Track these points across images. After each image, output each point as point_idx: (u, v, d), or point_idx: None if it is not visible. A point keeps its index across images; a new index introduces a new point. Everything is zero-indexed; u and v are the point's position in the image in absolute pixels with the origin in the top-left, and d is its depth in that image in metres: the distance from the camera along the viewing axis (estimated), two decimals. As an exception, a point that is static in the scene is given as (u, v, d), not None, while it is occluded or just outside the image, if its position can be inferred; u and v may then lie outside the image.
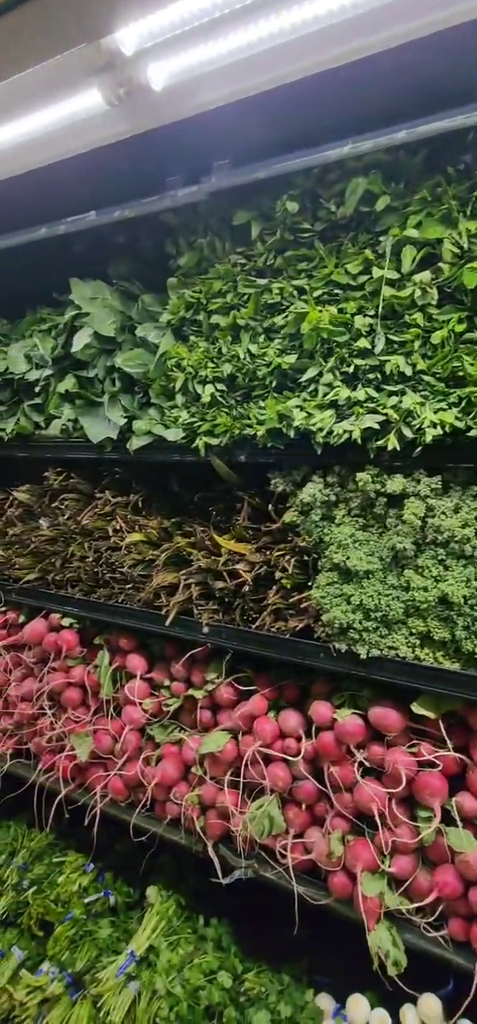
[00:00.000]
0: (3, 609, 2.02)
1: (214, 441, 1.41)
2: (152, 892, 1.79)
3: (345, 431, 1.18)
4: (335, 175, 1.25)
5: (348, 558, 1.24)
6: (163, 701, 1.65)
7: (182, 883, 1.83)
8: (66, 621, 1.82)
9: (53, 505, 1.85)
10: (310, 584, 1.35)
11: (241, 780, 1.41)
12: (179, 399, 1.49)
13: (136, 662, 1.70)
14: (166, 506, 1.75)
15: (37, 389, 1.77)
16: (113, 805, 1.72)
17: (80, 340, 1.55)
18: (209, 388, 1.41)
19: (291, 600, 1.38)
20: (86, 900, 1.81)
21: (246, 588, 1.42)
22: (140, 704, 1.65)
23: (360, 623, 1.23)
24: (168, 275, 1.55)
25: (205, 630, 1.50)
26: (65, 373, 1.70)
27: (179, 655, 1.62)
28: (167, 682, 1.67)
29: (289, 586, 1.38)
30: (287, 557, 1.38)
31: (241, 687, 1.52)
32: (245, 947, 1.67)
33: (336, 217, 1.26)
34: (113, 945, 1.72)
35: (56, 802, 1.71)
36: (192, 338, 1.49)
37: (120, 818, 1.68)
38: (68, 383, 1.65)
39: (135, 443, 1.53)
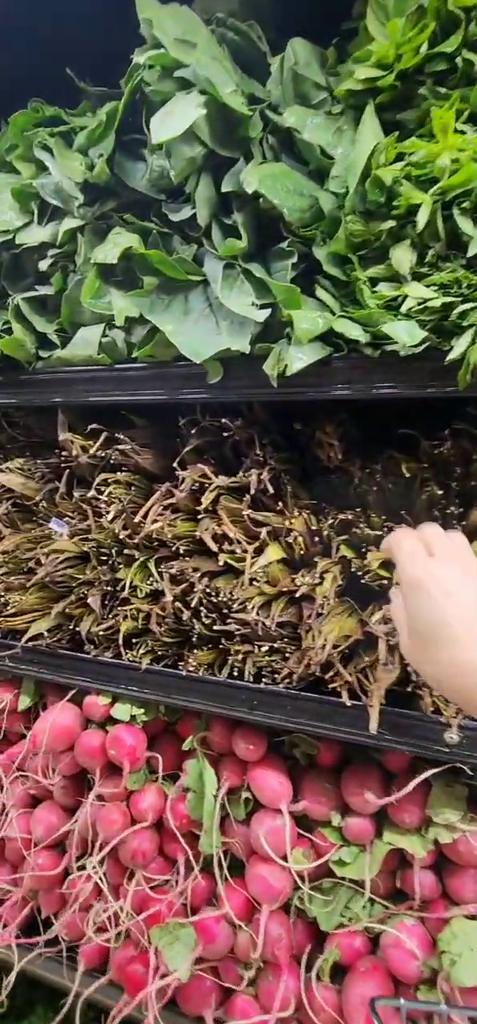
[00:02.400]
0: (-11, 685, 1.14)
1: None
2: None
3: None
4: None
5: None
6: (328, 853, 0.89)
7: None
8: (122, 710, 0.99)
9: (79, 496, 0.99)
10: None
11: None
12: (407, 257, 0.67)
13: (272, 783, 0.91)
14: (313, 488, 0.94)
15: (43, 265, 0.87)
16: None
17: (180, 118, 0.65)
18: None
19: None
20: None
21: None
22: (286, 863, 0.88)
23: None
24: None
25: (453, 737, 0.75)
26: (104, 225, 0.82)
27: (339, 760, 0.86)
28: (336, 818, 0.90)
29: None
30: None
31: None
32: None
33: None
34: None
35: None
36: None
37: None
38: (124, 239, 0.77)
39: (297, 360, 0.70)
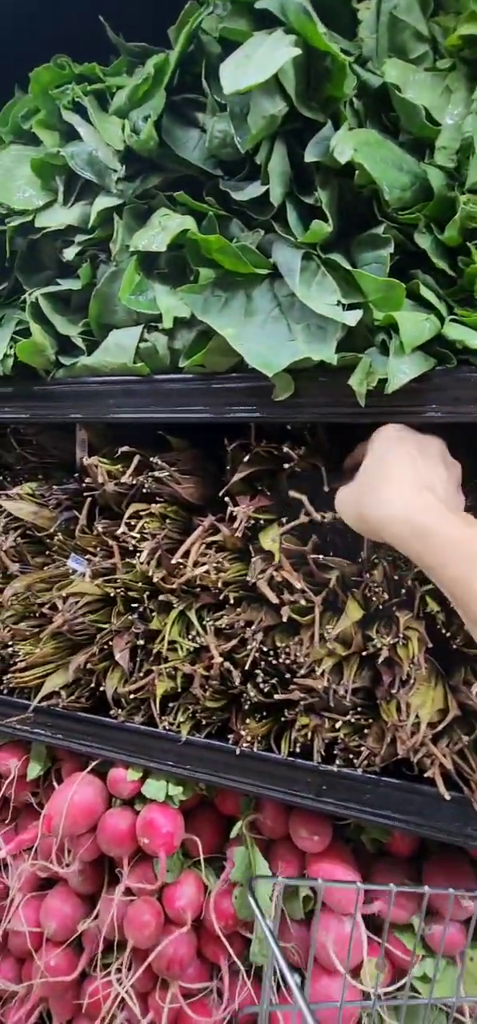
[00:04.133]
0: (-8, 750, 0.97)
1: None
2: None
3: None
4: None
5: None
6: (409, 966, 0.74)
7: None
8: (156, 788, 0.82)
9: (102, 528, 0.83)
10: None
11: None
12: None
13: (340, 883, 0.76)
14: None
15: (69, 254, 0.72)
16: None
17: (264, 63, 0.47)
18: None
19: None
20: None
21: None
22: (355, 979, 0.73)
23: None
24: None
25: None
26: (145, 206, 0.67)
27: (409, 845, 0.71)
28: (416, 922, 0.75)
29: None
30: None
31: None
32: None
33: None
34: None
35: None
36: None
37: None
38: (175, 222, 0.62)
39: (399, 374, 0.56)
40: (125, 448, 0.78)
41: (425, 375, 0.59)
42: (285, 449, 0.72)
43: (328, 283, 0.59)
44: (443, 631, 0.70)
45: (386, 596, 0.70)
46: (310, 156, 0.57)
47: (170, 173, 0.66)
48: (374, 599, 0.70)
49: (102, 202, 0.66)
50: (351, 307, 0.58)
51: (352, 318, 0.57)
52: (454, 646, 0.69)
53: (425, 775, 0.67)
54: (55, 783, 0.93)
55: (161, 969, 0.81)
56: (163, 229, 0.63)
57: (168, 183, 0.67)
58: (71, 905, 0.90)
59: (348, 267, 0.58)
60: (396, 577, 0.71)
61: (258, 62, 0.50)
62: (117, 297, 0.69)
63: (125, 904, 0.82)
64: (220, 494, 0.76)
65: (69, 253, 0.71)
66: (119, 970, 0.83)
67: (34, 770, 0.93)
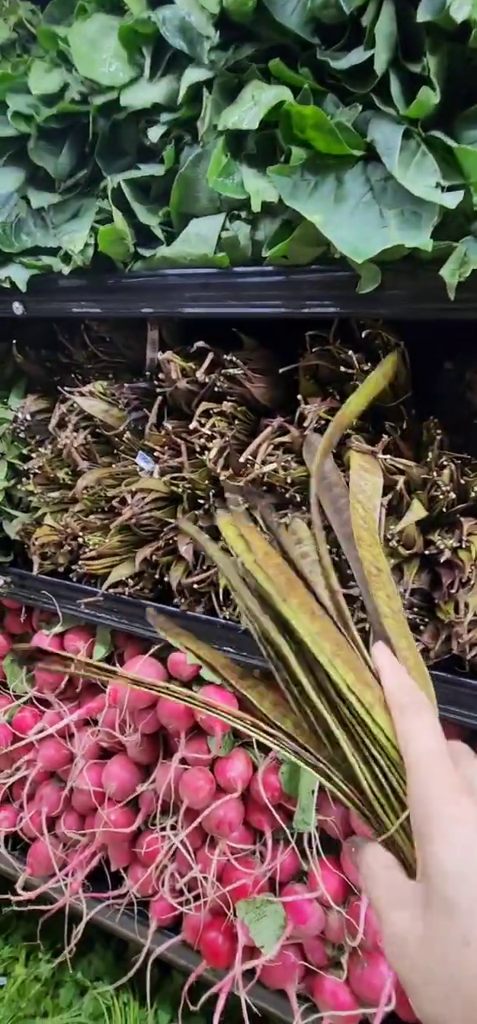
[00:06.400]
0: (60, 631, 1.06)
1: None
2: None
3: None
4: None
5: None
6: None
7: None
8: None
9: (172, 427, 0.85)
10: None
11: None
12: None
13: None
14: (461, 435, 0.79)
15: (154, 135, 0.70)
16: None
17: None
18: None
19: None
20: None
21: None
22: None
23: None
24: None
25: None
26: (235, 80, 0.64)
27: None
28: None
29: None
30: None
31: None
32: None
33: None
34: None
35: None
36: None
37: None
38: (270, 95, 0.59)
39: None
40: (200, 344, 0.79)
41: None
42: (350, 353, 0.71)
43: (428, 163, 0.57)
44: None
45: (453, 497, 0.71)
46: (423, 15, 0.53)
47: (264, 43, 0.63)
48: (440, 500, 0.71)
49: (192, 75, 0.64)
50: (450, 190, 0.56)
51: (452, 200, 0.55)
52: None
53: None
54: (118, 666, 1.01)
55: (211, 828, 0.90)
56: (256, 103, 0.61)
57: (261, 54, 0.64)
58: (129, 771, 1.00)
59: (450, 143, 0.55)
60: (463, 481, 0.72)
61: None
62: (201, 182, 0.68)
63: (181, 771, 0.91)
64: (297, 395, 0.77)
65: (154, 134, 0.70)
66: (173, 827, 0.93)
67: (99, 652, 1.02)
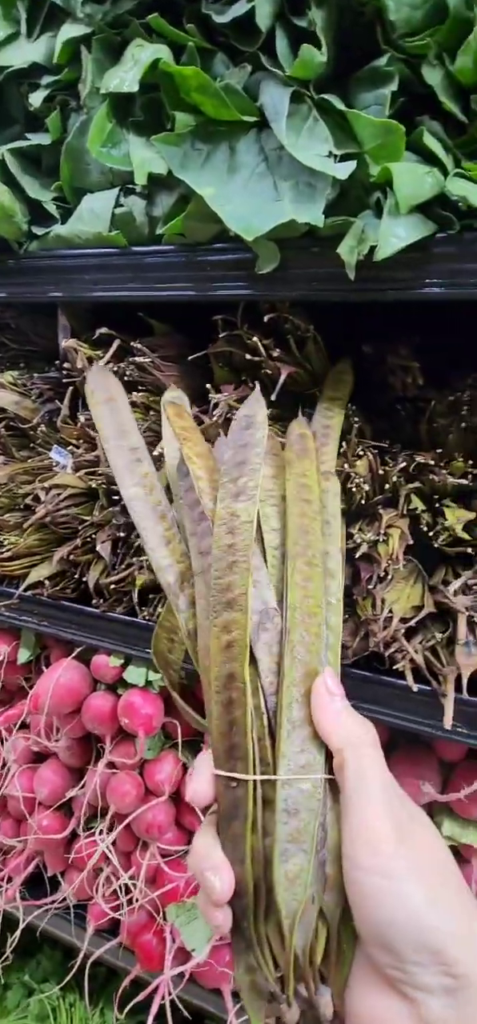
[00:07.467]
0: (-16, 635, 1.01)
1: None
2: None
3: None
4: None
5: None
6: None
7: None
8: (137, 674, 0.86)
9: (85, 420, 0.80)
10: None
11: None
12: None
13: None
14: (379, 423, 0.75)
15: (36, 100, 0.63)
16: None
17: None
18: None
19: None
20: None
21: None
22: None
23: None
24: None
25: None
26: (118, 37, 0.58)
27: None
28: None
29: None
30: None
31: None
32: None
33: None
34: None
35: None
36: None
37: None
38: (147, 52, 0.53)
39: (391, 239, 0.50)
40: (103, 330, 0.74)
41: (421, 243, 0.53)
42: (254, 339, 0.67)
43: (320, 130, 0.52)
44: (426, 530, 0.68)
45: (367, 489, 0.68)
46: (303, -38, 0.48)
47: (146, -6, 0.57)
48: (355, 493, 0.68)
49: (68, 31, 0.58)
50: (344, 159, 0.52)
51: (344, 170, 0.50)
52: (436, 545, 0.68)
53: (394, 668, 0.68)
54: (44, 669, 0.97)
55: (141, 831, 0.87)
56: (135, 63, 0.55)
57: (144, 8, 0.58)
58: (61, 776, 0.97)
59: (342, 107, 0.51)
60: (382, 471, 0.69)
61: None
62: (90, 152, 0.62)
63: (108, 776, 0.88)
64: (208, 386, 0.73)
65: (35, 99, 0.63)
66: (102, 831, 0.90)
67: (24, 655, 0.97)
